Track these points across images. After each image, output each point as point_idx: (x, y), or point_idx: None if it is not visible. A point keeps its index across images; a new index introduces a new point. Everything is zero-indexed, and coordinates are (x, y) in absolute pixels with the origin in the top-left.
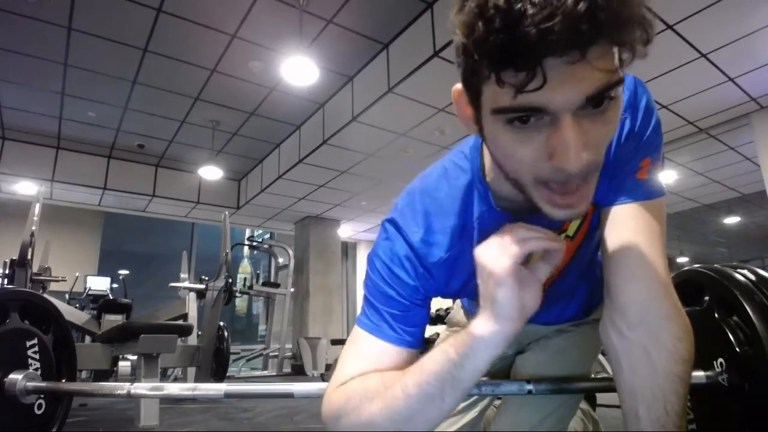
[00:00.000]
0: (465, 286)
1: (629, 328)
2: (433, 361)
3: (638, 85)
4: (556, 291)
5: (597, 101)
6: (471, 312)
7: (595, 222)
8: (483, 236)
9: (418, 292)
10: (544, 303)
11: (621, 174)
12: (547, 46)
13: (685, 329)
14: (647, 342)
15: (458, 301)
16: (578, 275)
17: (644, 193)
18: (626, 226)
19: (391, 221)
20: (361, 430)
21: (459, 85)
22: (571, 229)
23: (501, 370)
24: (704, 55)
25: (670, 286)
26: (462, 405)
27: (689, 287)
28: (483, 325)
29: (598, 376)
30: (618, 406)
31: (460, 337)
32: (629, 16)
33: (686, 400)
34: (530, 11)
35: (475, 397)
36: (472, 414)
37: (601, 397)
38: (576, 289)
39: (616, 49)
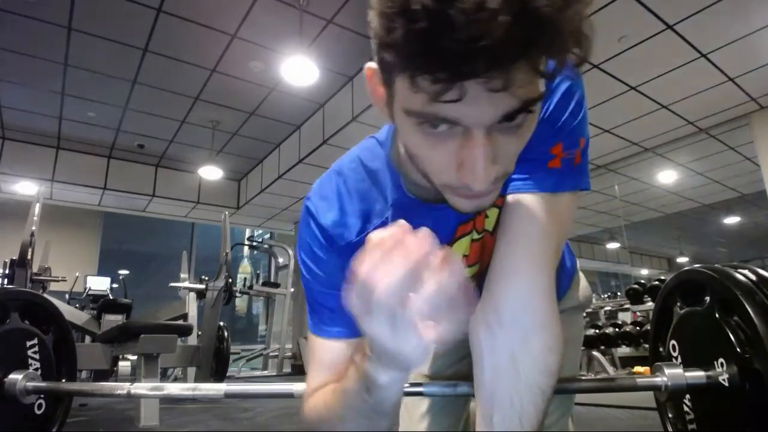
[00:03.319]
0: None
1: (500, 327)
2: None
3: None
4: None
5: (512, 117)
6: None
7: None
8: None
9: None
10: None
11: (531, 159)
12: (471, 67)
13: (557, 340)
14: (516, 346)
15: None
16: None
17: (552, 184)
18: (524, 216)
19: (306, 208)
20: None
21: (373, 64)
22: (490, 224)
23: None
24: (704, 55)
25: (553, 290)
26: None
27: (690, 287)
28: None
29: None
30: (618, 407)
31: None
32: (563, 34)
33: (544, 415)
34: (459, 20)
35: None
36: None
37: (601, 397)
38: None
39: (542, 63)
